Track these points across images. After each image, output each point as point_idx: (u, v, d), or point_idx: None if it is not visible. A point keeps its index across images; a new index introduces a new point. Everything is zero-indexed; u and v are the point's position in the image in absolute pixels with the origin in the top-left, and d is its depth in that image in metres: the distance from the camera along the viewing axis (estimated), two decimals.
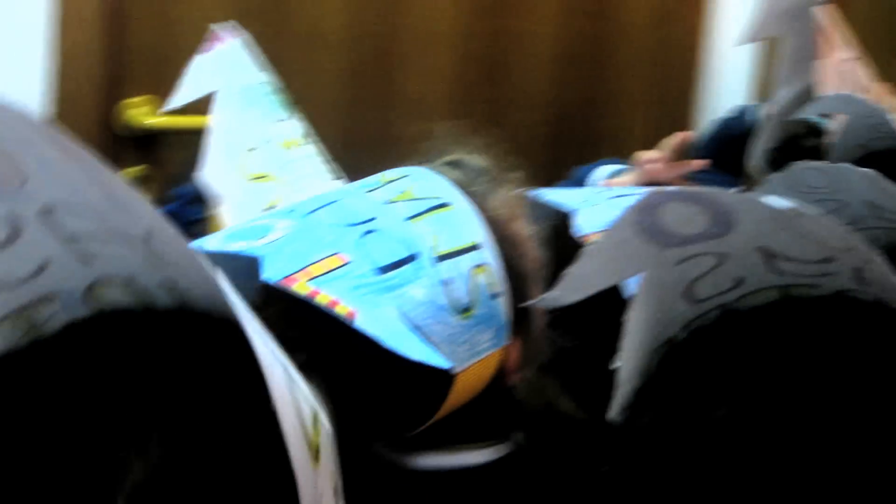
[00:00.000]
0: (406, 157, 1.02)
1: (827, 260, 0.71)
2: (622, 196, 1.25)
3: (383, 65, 2.27)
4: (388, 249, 0.90)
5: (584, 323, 0.89)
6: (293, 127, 1.38)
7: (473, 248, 0.94)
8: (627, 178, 1.71)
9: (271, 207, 1.26)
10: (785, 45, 1.75)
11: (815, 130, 1.62)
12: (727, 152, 1.99)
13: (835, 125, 1.56)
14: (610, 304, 0.75)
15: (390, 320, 0.87)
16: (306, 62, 2.19)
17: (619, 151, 2.43)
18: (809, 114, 1.65)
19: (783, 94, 1.73)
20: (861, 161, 1.42)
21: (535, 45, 2.39)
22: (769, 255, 0.70)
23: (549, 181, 1.48)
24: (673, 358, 0.70)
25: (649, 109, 2.51)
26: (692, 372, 0.71)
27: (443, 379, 0.89)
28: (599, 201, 1.23)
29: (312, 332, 0.87)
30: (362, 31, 2.24)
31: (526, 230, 0.99)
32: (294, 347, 0.57)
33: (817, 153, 1.58)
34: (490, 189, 0.98)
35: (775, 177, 1.08)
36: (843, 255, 0.72)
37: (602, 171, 1.75)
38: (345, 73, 2.25)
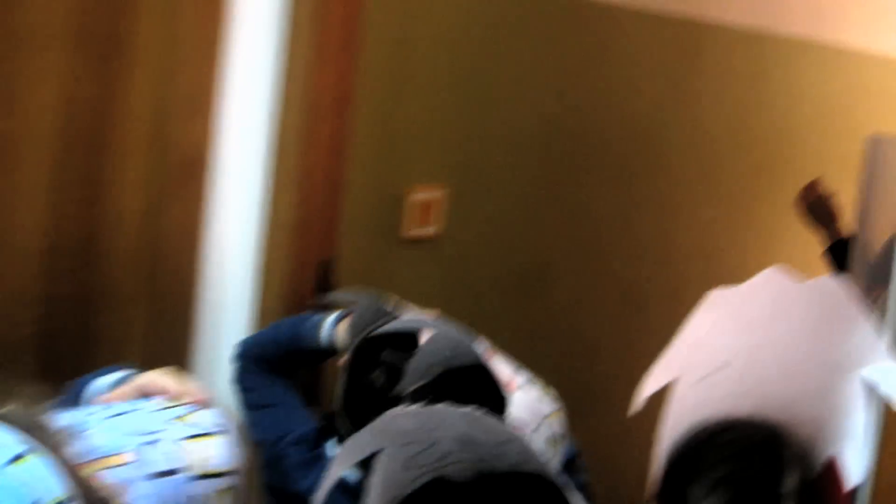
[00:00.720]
0: None
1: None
2: (121, 414, 1.22)
3: None
4: None
5: None
6: None
7: (70, 499, 0.91)
8: (128, 388, 1.58)
9: None
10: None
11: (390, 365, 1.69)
12: (286, 360, 1.99)
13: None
14: None
15: None
16: None
17: (118, 350, 2.28)
18: (389, 330, 1.72)
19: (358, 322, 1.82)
20: (441, 378, 1.58)
21: (16, 238, 2.19)
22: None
23: (43, 389, 1.35)
24: None
25: (148, 304, 2.38)
26: None
27: None
28: (95, 423, 1.19)
29: None
30: None
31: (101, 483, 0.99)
32: None
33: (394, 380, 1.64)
34: (59, 440, 0.97)
35: (366, 428, 1.13)
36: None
37: (102, 382, 1.61)
38: None
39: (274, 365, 2.04)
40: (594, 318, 3.25)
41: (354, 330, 1.85)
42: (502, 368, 1.81)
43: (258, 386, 2.05)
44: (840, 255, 2.90)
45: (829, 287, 1.51)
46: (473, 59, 2.80)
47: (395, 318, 1.83)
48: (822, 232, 3.15)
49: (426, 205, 2.70)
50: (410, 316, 1.86)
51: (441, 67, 2.73)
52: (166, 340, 2.38)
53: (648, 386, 1.51)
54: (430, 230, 2.73)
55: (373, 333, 1.75)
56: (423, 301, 2.69)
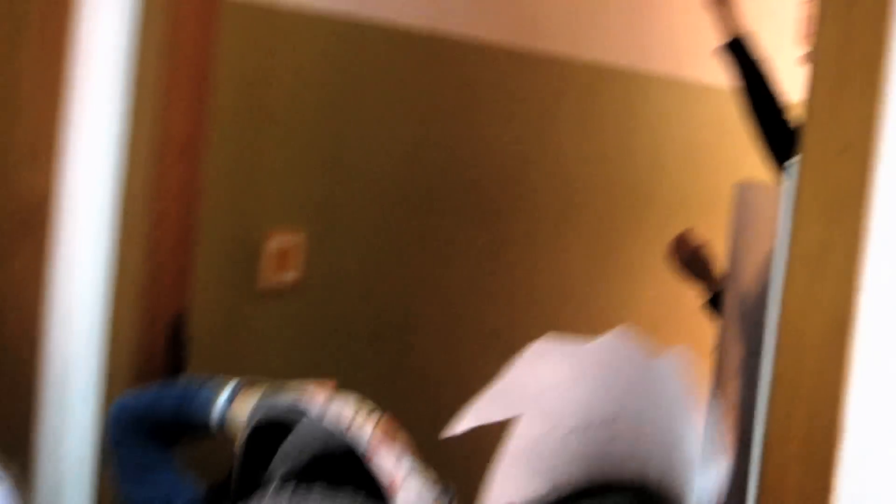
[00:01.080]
0: None
1: None
2: None
3: None
4: None
5: None
6: None
7: None
8: None
9: None
10: None
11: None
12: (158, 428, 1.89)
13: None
14: None
15: None
16: None
17: None
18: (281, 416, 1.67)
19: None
20: (312, 464, 1.56)
21: None
22: None
23: None
24: None
25: None
26: None
27: None
28: None
29: None
30: None
31: None
32: None
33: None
34: None
35: None
36: None
37: None
38: None
39: (154, 431, 1.90)
40: (460, 363, 3.18)
41: (252, 414, 1.75)
42: (386, 459, 1.73)
43: (137, 450, 1.90)
44: (720, 306, 2.84)
45: (623, 347, 1.49)
46: (332, 98, 2.72)
47: (293, 399, 1.74)
48: (699, 285, 3.07)
49: (283, 251, 2.60)
50: (305, 397, 1.77)
51: (299, 107, 2.64)
52: (6, 403, 2.24)
53: (469, 418, 1.51)
54: (288, 276, 2.63)
55: (266, 418, 1.66)
56: (281, 353, 2.58)
